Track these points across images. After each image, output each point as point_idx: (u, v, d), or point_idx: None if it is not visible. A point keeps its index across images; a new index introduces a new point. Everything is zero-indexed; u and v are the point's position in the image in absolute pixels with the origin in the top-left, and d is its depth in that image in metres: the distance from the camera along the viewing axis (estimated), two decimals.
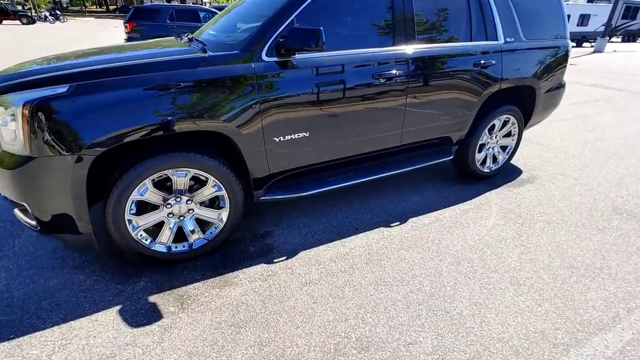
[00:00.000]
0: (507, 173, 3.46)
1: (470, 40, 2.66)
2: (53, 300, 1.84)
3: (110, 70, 1.71)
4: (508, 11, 2.80)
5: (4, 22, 26.32)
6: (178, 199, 2.00)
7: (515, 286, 2.02)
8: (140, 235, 1.97)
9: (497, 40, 2.77)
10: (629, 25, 26.22)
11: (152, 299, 1.88)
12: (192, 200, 2.04)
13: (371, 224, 2.57)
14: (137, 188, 1.83)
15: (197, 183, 2.05)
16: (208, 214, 2.12)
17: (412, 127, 2.60)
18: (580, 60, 14.09)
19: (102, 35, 18.14)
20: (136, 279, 2.00)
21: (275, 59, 1.99)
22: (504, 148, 3.33)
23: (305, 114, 2.12)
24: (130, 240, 1.93)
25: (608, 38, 18.00)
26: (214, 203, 2.16)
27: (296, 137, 2.15)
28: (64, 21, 29.41)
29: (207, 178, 2.00)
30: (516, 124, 3.20)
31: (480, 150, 3.14)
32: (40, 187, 1.67)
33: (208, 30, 2.68)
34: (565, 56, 3.22)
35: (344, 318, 1.78)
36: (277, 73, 1.99)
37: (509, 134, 3.26)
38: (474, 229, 2.54)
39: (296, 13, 2.02)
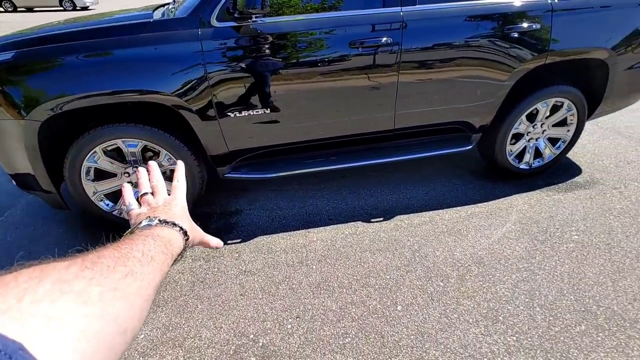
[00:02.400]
0: (558, 172, 2.72)
1: None
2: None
3: (56, 37, 1.72)
4: None
5: None
6: (135, 169, 2.01)
7: (488, 322, 1.59)
8: (100, 200, 2.06)
9: None
10: None
11: None
12: None
13: (349, 216, 2.29)
14: (88, 155, 1.87)
15: (155, 154, 2.03)
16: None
17: (409, 110, 2.15)
18: None
19: None
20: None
21: (230, 23, 1.78)
22: (554, 141, 2.59)
23: (263, 87, 1.89)
24: (89, 204, 2.03)
25: None
26: None
27: (254, 113, 1.94)
28: None
29: (159, 150, 1.96)
30: (574, 110, 2.43)
31: (515, 141, 2.50)
32: (3, 147, 1.82)
33: None
34: None
35: (262, 318, 1.62)
36: (229, 40, 1.78)
37: (562, 123, 2.51)
38: (472, 238, 2.07)
39: None
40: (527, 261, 1.90)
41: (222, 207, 2.41)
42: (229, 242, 2.10)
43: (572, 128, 2.52)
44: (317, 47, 1.88)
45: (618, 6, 2.16)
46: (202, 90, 1.81)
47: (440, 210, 2.32)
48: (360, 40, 1.89)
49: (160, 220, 0.46)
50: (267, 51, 1.84)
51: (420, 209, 2.35)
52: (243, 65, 1.82)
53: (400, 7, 1.90)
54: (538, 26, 2.06)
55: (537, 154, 2.61)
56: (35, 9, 18.39)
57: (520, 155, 2.58)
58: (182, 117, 1.89)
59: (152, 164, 0.60)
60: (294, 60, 1.88)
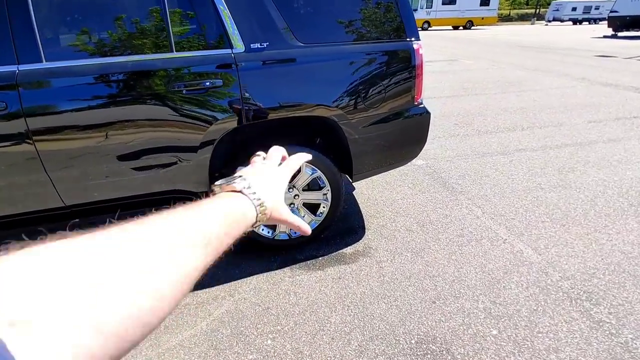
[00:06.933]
0: (334, 241, 2.31)
1: (171, 51, 1.70)
2: None
3: None
4: (254, 1, 1.75)
5: None
6: None
7: None
8: None
9: (229, 48, 1.74)
10: None
11: None
12: None
13: None
14: None
15: None
16: None
17: (78, 182, 1.75)
18: None
19: None
20: None
21: None
22: (313, 207, 2.20)
23: None
24: None
25: None
26: None
27: None
28: None
29: None
30: (320, 174, 2.07)
31: None
32: None
33: None
34: (406, 66, 1.98)
35: None
36: None
37: (316, 186, 2.15)
38: (131, 358, 1.59)
39: None
40: None
41: None
42: None
43: (328, 191, 2.15)
44: None
45: (331, 56, 1.86)
46: None
47: None
48: None
49: (239, 179, 0.40)
50: None
51: None
52: None
53: (16, 65, 1.54)
54: (220, 82, 1.73)
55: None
56: None
57: (274, 225, 2.18)
58: None
59: (280, 148, 0.52)
60: None
